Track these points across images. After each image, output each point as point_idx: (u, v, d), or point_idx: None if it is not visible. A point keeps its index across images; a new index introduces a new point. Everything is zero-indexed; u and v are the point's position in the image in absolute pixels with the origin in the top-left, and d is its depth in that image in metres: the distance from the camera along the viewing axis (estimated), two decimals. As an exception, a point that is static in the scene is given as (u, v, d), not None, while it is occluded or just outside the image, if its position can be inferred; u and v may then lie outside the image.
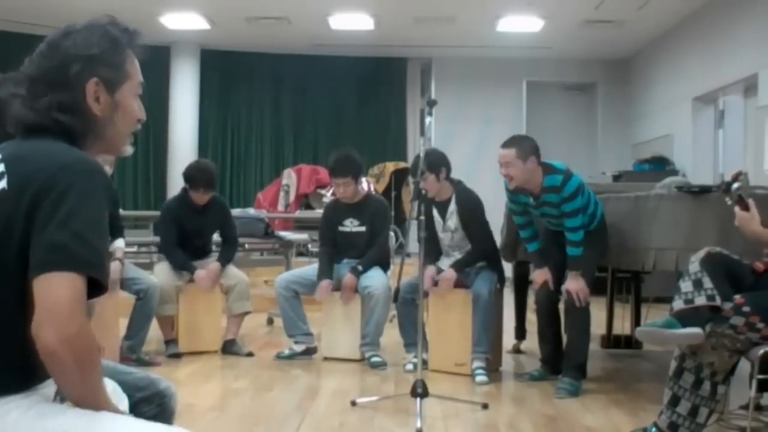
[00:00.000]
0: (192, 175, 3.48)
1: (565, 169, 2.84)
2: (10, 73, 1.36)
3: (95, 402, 0.92)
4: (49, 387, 0.98)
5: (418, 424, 2.31)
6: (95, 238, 0.90)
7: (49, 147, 0.97)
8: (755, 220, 2.00)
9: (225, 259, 3.59)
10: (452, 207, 3.24)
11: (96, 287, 0.92)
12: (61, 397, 1.03)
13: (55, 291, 0.86)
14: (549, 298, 2.98)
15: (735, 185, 2.05)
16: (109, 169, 3.12)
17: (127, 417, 0.93)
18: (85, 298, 0.89)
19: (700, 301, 1.92)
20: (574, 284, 2.83)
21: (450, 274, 3.15)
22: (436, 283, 3.17)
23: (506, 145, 2.85)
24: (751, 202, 2.02)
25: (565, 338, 3.00)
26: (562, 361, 2.93)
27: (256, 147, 8.37)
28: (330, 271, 3.44)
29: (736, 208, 2.04)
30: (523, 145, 2.83)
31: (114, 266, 3.19)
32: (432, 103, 2.63)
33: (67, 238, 0.88)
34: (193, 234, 3.57)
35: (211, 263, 3.56)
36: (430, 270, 3.17)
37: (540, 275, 3.02)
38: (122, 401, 1.10)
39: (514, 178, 2.82)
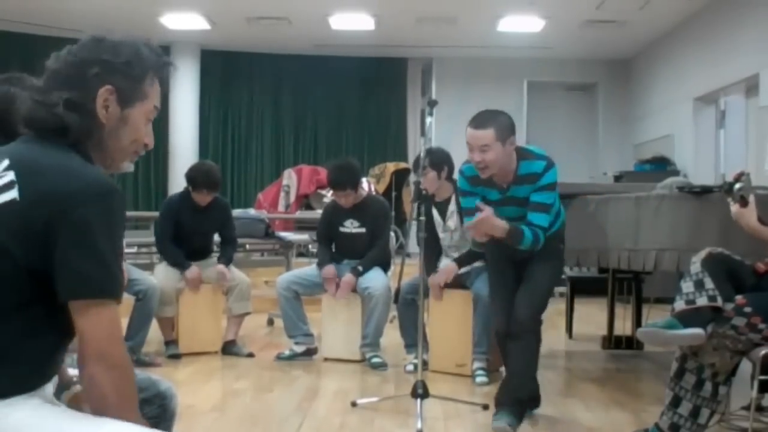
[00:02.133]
0: (194, 177, 3.48)
1: (546, 154, 2.34)
2: (16, 73, 1.36)
3: (130, 413, 0.94)
4: (49, 386, 0.99)
5: (419, 425, 2.31)
6: (114, 264, 0.94)
7: (64, 161, 0.96)
8: (752, 215, 2.00)
9: (227, 259, 3.59)
10: (452, 207, 3.24)
11: None
12: (59, 393, 1.04)
13: (98, 325, 0.91)
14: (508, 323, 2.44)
15: (737, 185, 2.06)
16: (128, 165, 3.14)
17: (128, 424, 0.93)
18: (120, 324, 0.95)
19: (702, 301, 1.91)
20: (495, 221, 2.26)
21: (452, 265, 3.13)
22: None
23: (479, 124, 2.26)
24: (751, 197, 2.03)
25: (505, 369, 2.53)
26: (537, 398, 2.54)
27: (257, 147, 8.37)
28: (329, 258, 3.45)
29: (734, 204, 2.04)
30: (501, 124, 2.26)
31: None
32: (433, 104, 2.63)
33: (94, 266, 0.91)
34: (192, 233, 3.56)
35: (218, 267, 3.54)
36: (451, 266, 3.13)
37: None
38: None
39: (489, 167, 2.25)
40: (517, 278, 2.44)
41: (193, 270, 3.47)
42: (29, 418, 0.90)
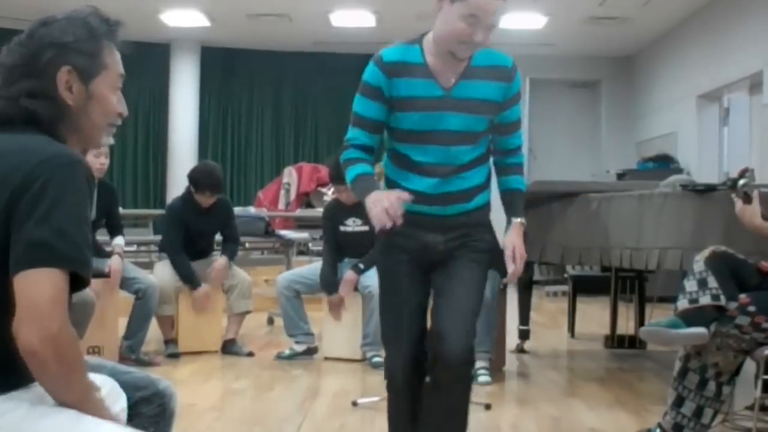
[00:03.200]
0: (197, 178, 3.45)
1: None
2: None
3: (80, 401, 0.90)
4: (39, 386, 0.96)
5: (420, 425, 2.28)
6: (76, 233, 0.89)
7: (28, 141, 0.94)
8: (756, 212, 1.99)
9: (230, 253, 3.57)
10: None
11: (78, 282, 0.91)
12: None
13: (35, 289, 0.85)
14: (417, 366, 1.62)
15: (741, 182, 2.05)
16: (104, 160, 3.12)
17: (111, 423, 0.92)
18: (66, 294, 0.88)
19: (705, 300, 1.89)
20: (519, 240, 1.60)
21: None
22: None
23: None
24: (754, 194, 2.01)
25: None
26: None
27: (257, 145, 8.36)
28: (335, 283, 3.34)
29: (738, 201, 2.03)
30: None
31: (115, 261, 3.17)
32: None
33: (47, 233, 0.86)
34: (196, 235, 3.54)
35: (219, 259, 3.52)
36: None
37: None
38: (119, 400, 1.09)
39: (483, 42, 1.53)
40: (426, 289, 1.64)
41: (203, 290, 3.43)
42: (10, 417, 0.89)
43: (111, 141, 1.11)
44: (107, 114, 1.04)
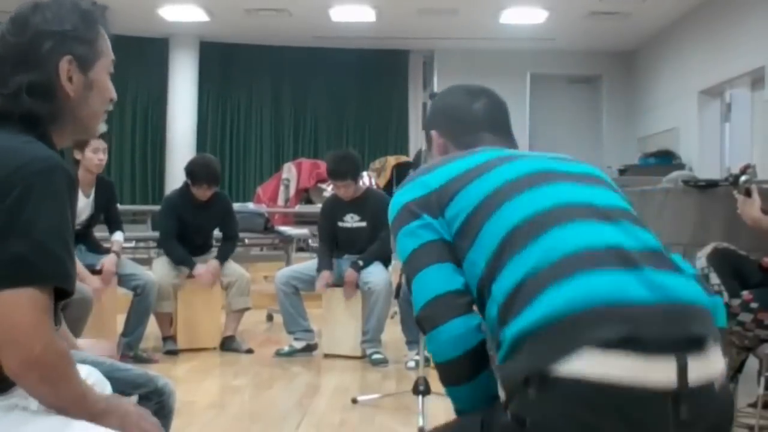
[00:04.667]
0: (194, 171, 3.43)
1: None
2: None
3: (76, 409, 0.88)
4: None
5: (420, 422, 2.27)
6: (57, 245, 0.85)
7: (3, 143, 0.90)
8: (755, 205, 1.98)
9: (222, 257, 3.55)
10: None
11: (62, 292, 0.88)
12: None
13: (13, 311, 0.82)
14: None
15: (743, 178, 2.04)
16: (102, 156, 3.09)
17: (98, 428, 0.89)
18: (50, 311, 0.85)
19: (708, 297, 1.88)
20: None
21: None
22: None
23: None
24: (753, 187, 2.01)
25: None
26: None
27: (256, 141, 8.33)
28: (330, 262, 3.41)
29: (740, 197, 2.02)
30: None
31: (109, 260, 3.16)
32: (434, 96, 2.57)
33: (26, 249, 0.83)
34: (193, 229, 3.52)
35: (210, 260, 3.52)
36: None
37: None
38: (105, 390, 1.08)
39: None
40: None
41: (200, 267, 3.43)
42: (7, 422, 0.87)
43: (105, 127, 1.07)
44: (104, 101, 1.01)
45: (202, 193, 3.44)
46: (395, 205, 1.02)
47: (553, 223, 0.88)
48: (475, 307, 0.93)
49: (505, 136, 1.15)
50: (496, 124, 1.16)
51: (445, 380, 0.95)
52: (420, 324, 0.95)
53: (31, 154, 0.88)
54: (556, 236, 0.86)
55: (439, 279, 0.93)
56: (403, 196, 1.02)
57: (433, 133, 1.18)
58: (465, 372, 0.92)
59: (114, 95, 1.03)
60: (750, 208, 2.01)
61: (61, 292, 0.88)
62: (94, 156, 3.05)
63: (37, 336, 0.83)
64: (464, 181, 0.98)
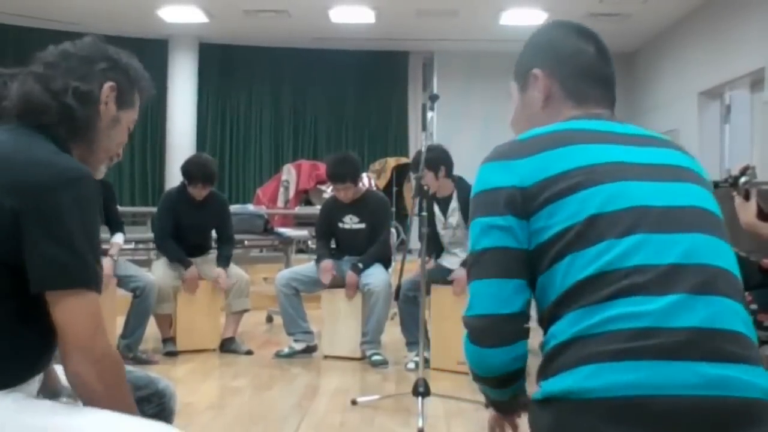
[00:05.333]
0: (189, 170, 3.42)
1: None
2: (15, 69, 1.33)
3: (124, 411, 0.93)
4: (32, 384, 0.97)
5: (420, 424, 2.27)
6: (95, 251, 0.93)
7: (35, 150, 0.95)
8: (750, 210, 1.98)
9: (225, 261, 3.54)
10: (453, 204, 3.19)
11: None
12: (43, 394, 1.02)
13: (77, 319, 0.89)
14: None
15: (742, 179, 2.03)
16: (103, 169, 3.06)
17: (105, 411, 0.92)
18: (102, 315, 0.92)
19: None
20: None
21: (463, 273, 3.09)
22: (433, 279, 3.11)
23: None
24: (753, 191, 2.00)
25: None
26: None
27: (255, 142, 8.33)
28: (328, 253, 3.42)
29: (739, 198, 2.02)
30: None
31: (106, 263, 3.15)
32: (434, 98, 2.57)
33: (67, 258, 0.89)
34: (189, 229, 3.51)
35: (216, 270, 3.48)
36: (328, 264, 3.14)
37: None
38: None
39: None
40: None
41: (193, 270, 3.42)
42: (7, 411, 0.89)
43: (102, 173, 1.13)
44: (117, 147, 1.08)
45: (198, 192, 3.43)
46: (483, 179, 0.92)
47: (620, 293, 0.80)
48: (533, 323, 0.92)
49: (612, 96, 0.99)
50: (607, 79, 1.00)
51: (475, 378, 0.97)
52: (465, 326, 0.93)
53: (62, 163, 0.94)
54: (621, 306, 0.79)
55: (498, 297, 0.89)
56: (494, 173, 0.91)
57: (538, 71, 0.99)
58: (495, 384, 0.96)
59: (120, 151, 1.10)
60: (745, 213, 1.99)
61: None
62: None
63: (98, 340, 0.91)
64: (558, 191, 0.86)
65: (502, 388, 0.96)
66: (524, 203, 0.88)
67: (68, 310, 0.89)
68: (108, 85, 1.01)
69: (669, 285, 0.79)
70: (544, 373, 0.84)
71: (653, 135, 0.96)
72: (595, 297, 0.80)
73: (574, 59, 0.99)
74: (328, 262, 3.37)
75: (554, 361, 0.82)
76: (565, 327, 0.82)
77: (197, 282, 3.45)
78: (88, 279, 0.90)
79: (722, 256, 0.85)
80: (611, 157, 0.88)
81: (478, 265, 0.91)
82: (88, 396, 0.91)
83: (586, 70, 0.99)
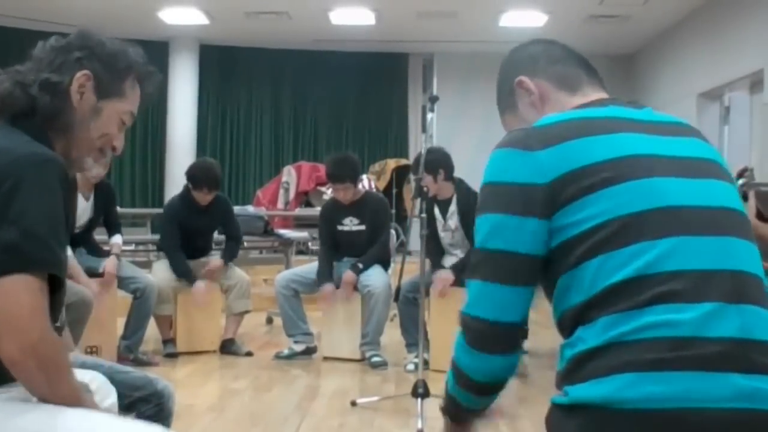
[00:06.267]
0: (195, 175, 3.43)
1: None
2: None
3: (67, 403, 0.90)
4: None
5: (419, 425, 2.27)
6: (48, 233, 0.87)
7: (6, 141, 0.93)
8: (749, 211, 1.98)
9: (229, 256, 3.54)
10: (453, 207, 3.20)
11: (56, 281, 0.90)
12: None
13: (12, 298, 0.84)
14: None
15: (740, 181, 2.04)
16: (102, 170, 3.06)
17: (90, 411, 0.91)
18: (45, 298, 0.87)
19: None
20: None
21: (447, 275, 3.10)
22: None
23: None
24: (751, 193, 2.00)
25: None
26: None
27: (256, 144, 8.33)
28: (330, 273, 3.38)
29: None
30: None
31: (110, 262, 3.15)
32: (434, 99, 2.58)
33: (16, 236, 0.85)
34: (194, 233, 3.52)
35: (213, 259, 3.50)
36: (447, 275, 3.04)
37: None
38: (110, 395, 1.08)
39: None
40: None
41: (199, 286, 3.41)
42: (2, 413, 0.88)
43: (102, 172, 1.11)
44: (103, 137, 1.03)
45: (203, 197, 3.44)
46: (499, 168, 0.86)
47: (656, 299, 0.77)
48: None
49: (598, 75, 0.99)
50: (584, 60, 0.99)
51: (460, 382, 0.92)
52: (461, 324, 0.90)
53: (27, 149, 0.90)
54: (658, 313, 0.76)
55: (503, 303, 0.86)
56: (511, 163, 0.85)
57: (523, 79, 0.96)
58: (480, 391, 0.92)
59: (118, 144, 1.05)
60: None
61: (54, 282, 0.89)
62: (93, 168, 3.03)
63: (35, 323, 0.84)
64: (585, 187, 0.81)
65: (485, 396, 0.93)
66: (545, 200, 0.82)
67: (7, 289, 0.83)
68: (81, 73, 0.97)
69: (704, 292, 0.77)
70: (570, 378, 0.80)
71: (677, 121, 0.92)
72: (630, 302, 0.77)
73: (545, 54, 0.98)
74: (329, 288, 3.32)
75: (584, 366, 0.78)
76: (598, 332, 0.78)
77: (205, 295, 3.43)
78: (39, 261, 0.85)
79: (752, 261, 0.84)
80: (638, 149, 0.84)
81: (485, 264, 0.86)
82: (30, 386, 0.87)
83: (561, 58, 0.98)
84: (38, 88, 0.96)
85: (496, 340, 0.87)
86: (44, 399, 0.90)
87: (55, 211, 0.89)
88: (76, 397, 0.91)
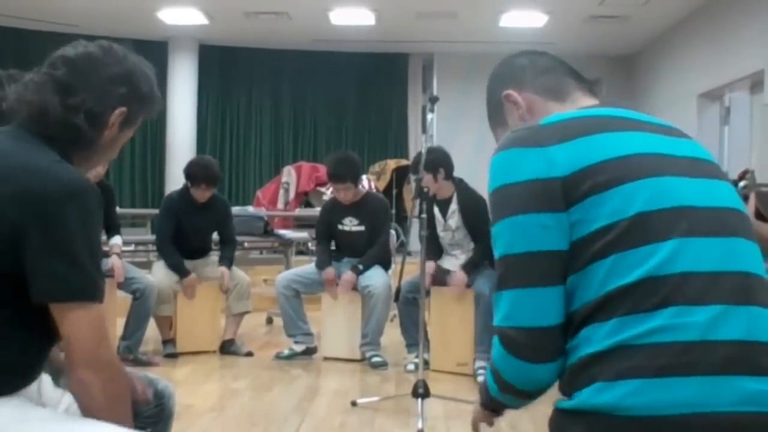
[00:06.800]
0: (192, 172, 3.42)
1: None
2: (12, 71, 1.33)
3: (120, 407, 0.95)
4: (32, 386, 0.98)
5: (420, 425, 2.27)
6: (96, 263, 0.94)
7: (37, 159, 0.94)
8: (749, 211, 1.99)
9: (228, 261, 3.54)
10: (453, 206, 3.20)
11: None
12: (56, 379, 1.06)
13: (80, 329, 0.90)
14: None
15: (741, 183, 2.05)
16: (101, 170, 3.06)
17: (108, 425, 0.93)
18: (105, 325, 0.94)
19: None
20: None
21: (462, 276, 3.09)
22: (435, 281, 3.12)
23: None
24: (752, 194, 2.01)
25: None
26: None
27: (255, 144, 8.33)
28: (329, 260, 3.40)
29: None
30: None
31: (116, 259, 3.15)
32: (434, 100, 2.57)
33: (71, 268, 0.90)
34: (191, 232, 3.51)
35: (221, 269, 3.48)
36: (431, 266, 3.09)
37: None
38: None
39: None
40: None
41: (190, 279, 3.42)
42: (9, 420, 0.89)
43: (101, 172, 1.19)
44: (109, 159, 1.12)
45: (201, 194, 3.43)
46: (509, 169, 0.83)
47: (666, 302, 0.76)
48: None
49: (590, 85, 0.97)
50: (573, 70, 0.98)
51: (505, 389, 0.89)
52: (500, 336, 0.86)
53: (65, 174, 0.93)
54: (666, 316, 0.76)
55: (540, 307, 0.81)
56: (524, 161, 0.82)
57: (511, 92, 0.96)
58: (527, 397, 0.89)
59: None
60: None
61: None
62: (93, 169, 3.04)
63: (103, 351, 0.92)
64: (600, 183, 0.79)
65: (530, 400, 0.90)
66: (564, 194, 0.80)
67: (73, 322, 0.90)
68: (120, 110, 1.02)
69: (711, 294, 0.77)
70: (575, 381, 0.78)
71: (670, 125, 0.93)
72: (641, 305, 0.76)
73: (531, 66, 0.97)
74: (330, 271, 3.34)
75: (589, 369, 0.77)
76: (606, 334, 0.77)
77: (195, 289, 3.44)
78: (91, 291, 0.92)
79: (757, 262, 0.83)
80: (648, 147, 0.84)
81: (514, 271, 0.82)
82: (88, 405, 0.92)
83: (548, 68, 0.97)
84: (84, 117, 0.98)
85: (539, 347, 0.83)
86: (97, 403, 0.93)
87: (96, 240, 0.95)
88: (130, 426, 0.96)
